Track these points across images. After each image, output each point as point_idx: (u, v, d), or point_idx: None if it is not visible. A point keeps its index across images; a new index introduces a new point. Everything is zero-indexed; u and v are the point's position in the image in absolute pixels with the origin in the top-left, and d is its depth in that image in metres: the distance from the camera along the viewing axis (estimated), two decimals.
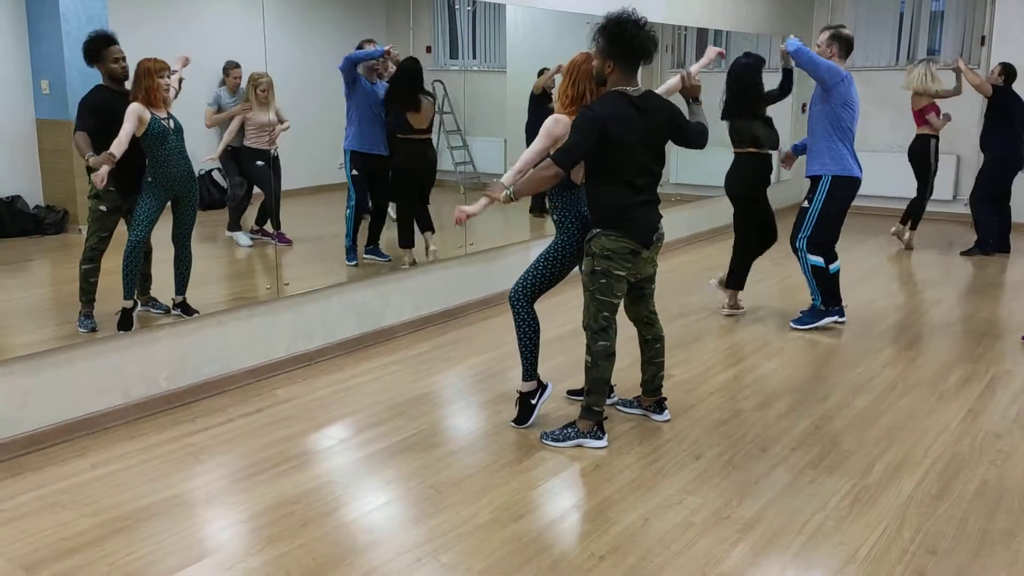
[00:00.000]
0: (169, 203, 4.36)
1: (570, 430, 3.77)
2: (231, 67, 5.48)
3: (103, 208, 4.15)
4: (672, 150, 3.81)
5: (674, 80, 4.07)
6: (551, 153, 3.56)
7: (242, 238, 5.74)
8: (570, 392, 4.29)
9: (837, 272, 5.52)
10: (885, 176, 8.76)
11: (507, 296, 3.94)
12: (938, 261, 7.64)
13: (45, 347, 3.84)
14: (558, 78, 4.12)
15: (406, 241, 5.76)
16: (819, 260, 5.41)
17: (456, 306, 5.84)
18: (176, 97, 4.33)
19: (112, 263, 4.21)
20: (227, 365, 4.48)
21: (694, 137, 3.77)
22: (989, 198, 7.70)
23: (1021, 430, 3.95)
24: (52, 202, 4.76)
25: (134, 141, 4.14)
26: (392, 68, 5.63)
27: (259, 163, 5.40)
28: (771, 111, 5.66)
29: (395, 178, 5.80)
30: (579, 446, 3.73)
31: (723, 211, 6.24)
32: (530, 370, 3.93)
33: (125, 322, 4.19)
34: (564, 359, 4.75)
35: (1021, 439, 3.85)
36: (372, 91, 5.62)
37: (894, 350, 5.12)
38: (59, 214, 4.79)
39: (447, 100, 6.90)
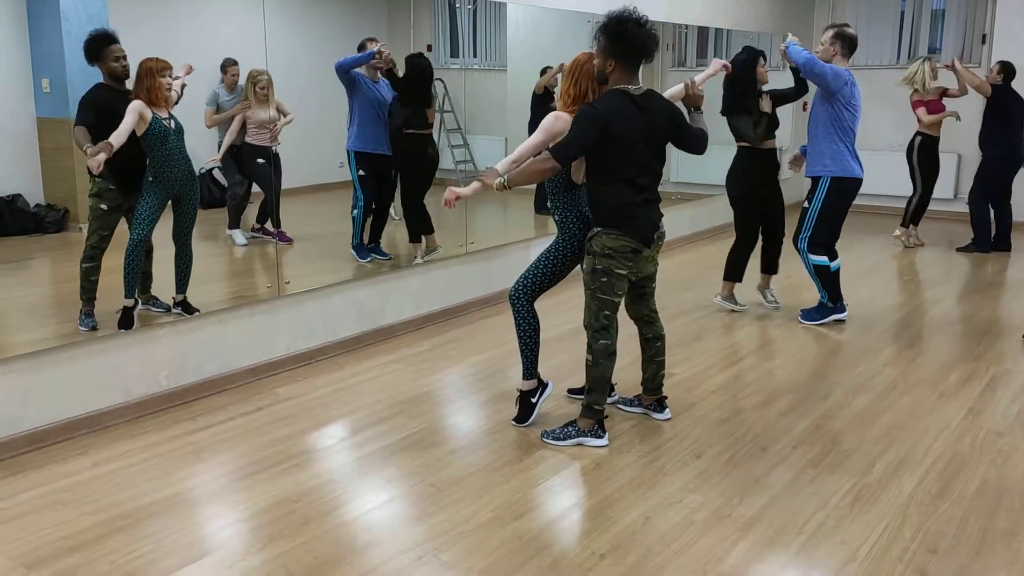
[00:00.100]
0: (170, 202, 4.37)
1: (571, 429, 3.77)
2: (229, 64, 5.48)
3: (104, 207, 4.15)
4: (673, 148, 3.82)
5: (678, 88, 4.07)
6: (549, 147, 3.55)
7: (238, 237, 5.74)
8: (571, 391, 4.29)
9: (837, 270, 5.53)
10: (886, 175, 8.76)
11: (507, 295, 3.94)
12: (939, 260, 7.64)
13: (46, 345, 3.84)
14: (560, 77, 4.12)
15: (423, 233, 5.79)
16: (822, 259, 5.42)
17: (456, 305, 5.84)
18: (177, 103, 4.33)
19: (113, 262, 4.21)
20: (228, 363, 4.48)
21: (694, 141, 3.77)
22: (988, 196, 7.70)
23: (1022, 429, 3.95)
24: (53, 201, 4.76)
25: (135, 140, 4.14)
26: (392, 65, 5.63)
27: (260, 161, 5.40)
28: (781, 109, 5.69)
29: (408, 174, 5.81)
30: (580, 445, 3.73)
31: (724, 209, 6.24)
32: (530, 369, 3.93)
33: (126, 321, 4.19)
34: (565, 358, 4.75)
35: (1022, 438, 3.85)
36: (374, 90, 5.62)
37: (895, 349, 5.11)
38: (60, 213, 4.79)
39: (448, 99, 6.90)
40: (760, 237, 5.84)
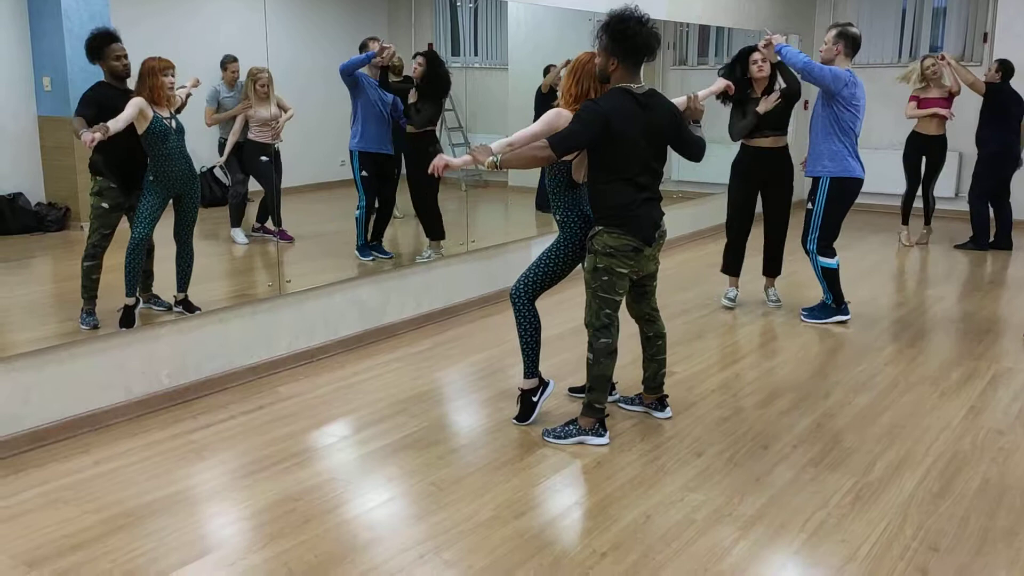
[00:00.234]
0: (171, 200, 4.37)
1: (572, 427, 3.78)
2: (228, 61, 5.48)
3: (105, 205, 4.15)
4: None
5: (680, 100, 4.06)
6: (548, 137, 3.54)
7: (239, 236, 5.74)
8: (571, 389, 4.29)
9: (836, 269, 5.54)
10: (887, 173, 8.75)
11: (508, 294, 3.94)
12: (940, 258, 7.64)
13: (47, 344, 3.85)
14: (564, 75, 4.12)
15: (433, 236, 5.84)
16: (831, 263, 5.44)
17: (458, 303, 5.84)
18: (180, 111, 4.34)
19: (114, 260, 4.21)
20: (229, 362, 4.49)
21: (692, 146, 3.78)
22: (985, 194, 7.71)
23: (1022, 428, 3.95)
24: (54, 199, 4.76)
25: (136, 139, 4.14)
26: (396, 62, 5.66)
27: (264, 158, 5.40)
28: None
29: (417, 172, 5.86)
30: (581, 443, 3.74)
31: (725, 208, 6.25)
32: (532, 367, 3.93)
33: (127, 319, 4.19)
34: (566, 356, 4.75)
35: (1022, 437, 3.85)
36: (377, 90, 5.62)
37: (896, 347, 5.11)
38: (61, 211, 4.79)
39: (449, 97, 6.90)
40: (763, 236, 5.89)
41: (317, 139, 6.06)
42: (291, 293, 4.82)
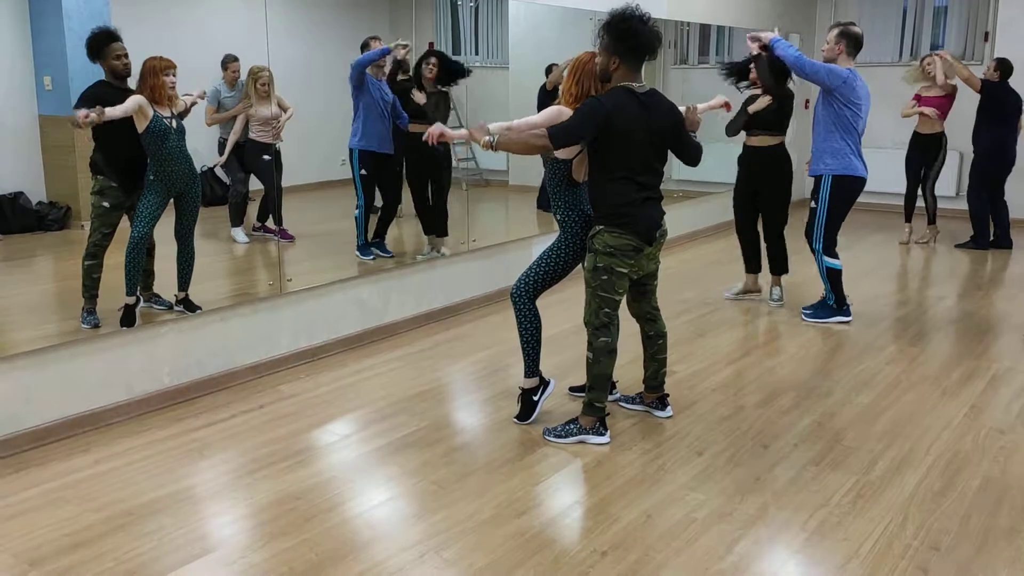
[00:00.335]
0: (172, 200, 4.37)
1: (572, 426, 3.78)
2: (229, 60, 5.48)
3: (106, 204, 4.15)
4: None
5: (680, 109, 4.07)
6: (548, 127, 3.53)
7: (239, 235, 5.74)
8: (572, 388, 4.29)
9: (840, 270, 5.54)
10: (887, 173, 8.74)
11: (509, 293, 3.94)
12: (941, 257, 7.63)
13: (48, 343, 3.85)
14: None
15: (436, 233, 5.88)
16: (836, 263, 5.45)
17: (458, 302, 5.84)
18: (184, 117, 4.33)
19: (115, 259, 4.21)
20: (230, 361, 4.49)
21: (691, 148, 3.77)
22: (982, 193, 7.71)
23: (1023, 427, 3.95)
24: (55, 198, 4.76)
25: (136, 138, 4.14)
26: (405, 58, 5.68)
27: (266, 157, 5.40)
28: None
29: (434, 172, 5.91)
30: (581, 442, 3.74)
31: (726, 207, 6.26)
32: (532, 366, 3.93)
33: (128, 318, 4.19)
34: (566, 356, 4.75)
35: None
36: (380, 90, 5.63)
37: (897, 346, 5.11)
38: (62, 210, 4.79)
39: (451, 97, 6.90)
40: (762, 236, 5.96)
41: (318, 138, 6.06)
42: (292, 292, 4.82)
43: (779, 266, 5.94)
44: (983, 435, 3.84)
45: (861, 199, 5.51)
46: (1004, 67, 7.47)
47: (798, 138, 9.56)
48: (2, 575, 2.79)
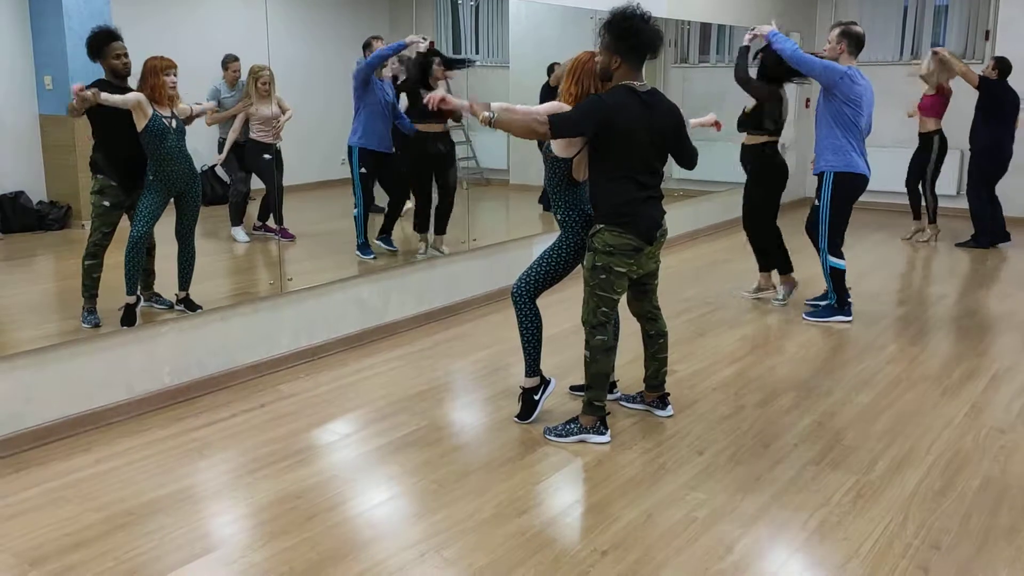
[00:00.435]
0: (172, 199, 4.37)
1: (573, 426, 3.78)
2: (230, 60, 5.48)
3: (106, 203, 4.15)
4: None
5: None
6: (551, 114, 3.53)
7: (239, 234, 5.74)
8: (573, 388, 4.29)
9: (844, 270, 5.53)
10: (891, 171, 8.74)
11: (510, 292, 3.94)
12: (942, 256, 7.63)
13: (49, 342, 3.85)
14: None
15: (437, 232, 5.89)
16: (840, 263, 5.45)
17: (459, 302, 5.84)
18: (189, 123, 4.34)
19: (115, 259, 4.22)
20: (230, 360, 4.49)
21: (688, 150, 3.77)
22: (980, 190, 7.71)
23: None
24: (55, 198, 4.77)
25: (136, 137, 4.14)
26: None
27: (266, 157, 5.40)
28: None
29: (442, 170, 5.91)
30: (582, 442, 3.73)
31: (726, 206, 6.26)
32: (533, 366, 3.93)
33: (128, 317, 4.19)
34: (567, 355, 4.75)
35: None
36: (382, 89, 5.63)
37: (898, 346, 5.11)
38: (62, 210, 4.80)
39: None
40: None
41: (318, 138, 6.07)
42: (292, 291, 4.82)
43: (779, 265, 5.94)
44: (984, 434, 3.84)
45: (862, 197, 5.51)
46: (1003, 66, 7.47)
47: (799, 138, 9.57)
48: (3, 575, 2.79)
